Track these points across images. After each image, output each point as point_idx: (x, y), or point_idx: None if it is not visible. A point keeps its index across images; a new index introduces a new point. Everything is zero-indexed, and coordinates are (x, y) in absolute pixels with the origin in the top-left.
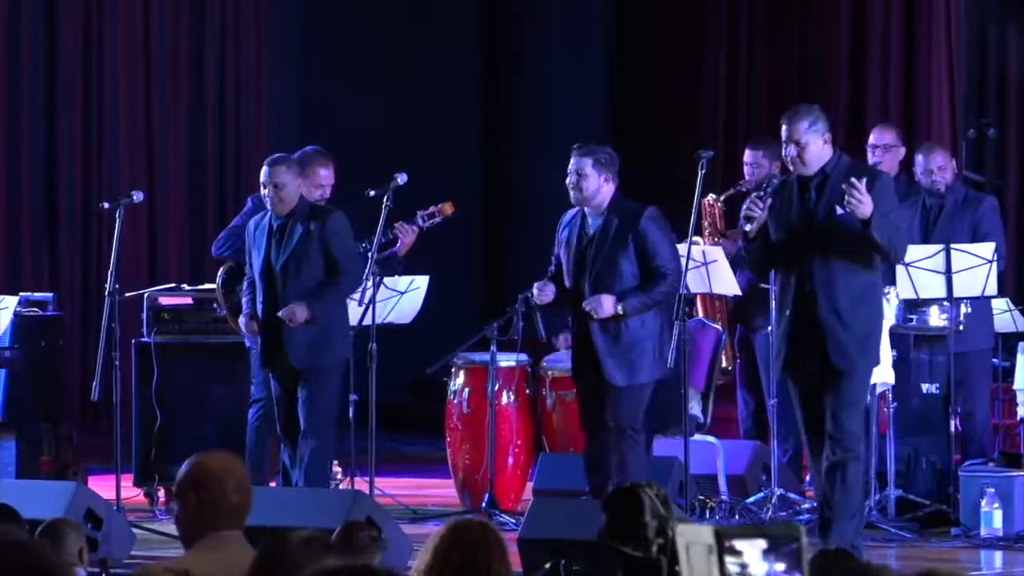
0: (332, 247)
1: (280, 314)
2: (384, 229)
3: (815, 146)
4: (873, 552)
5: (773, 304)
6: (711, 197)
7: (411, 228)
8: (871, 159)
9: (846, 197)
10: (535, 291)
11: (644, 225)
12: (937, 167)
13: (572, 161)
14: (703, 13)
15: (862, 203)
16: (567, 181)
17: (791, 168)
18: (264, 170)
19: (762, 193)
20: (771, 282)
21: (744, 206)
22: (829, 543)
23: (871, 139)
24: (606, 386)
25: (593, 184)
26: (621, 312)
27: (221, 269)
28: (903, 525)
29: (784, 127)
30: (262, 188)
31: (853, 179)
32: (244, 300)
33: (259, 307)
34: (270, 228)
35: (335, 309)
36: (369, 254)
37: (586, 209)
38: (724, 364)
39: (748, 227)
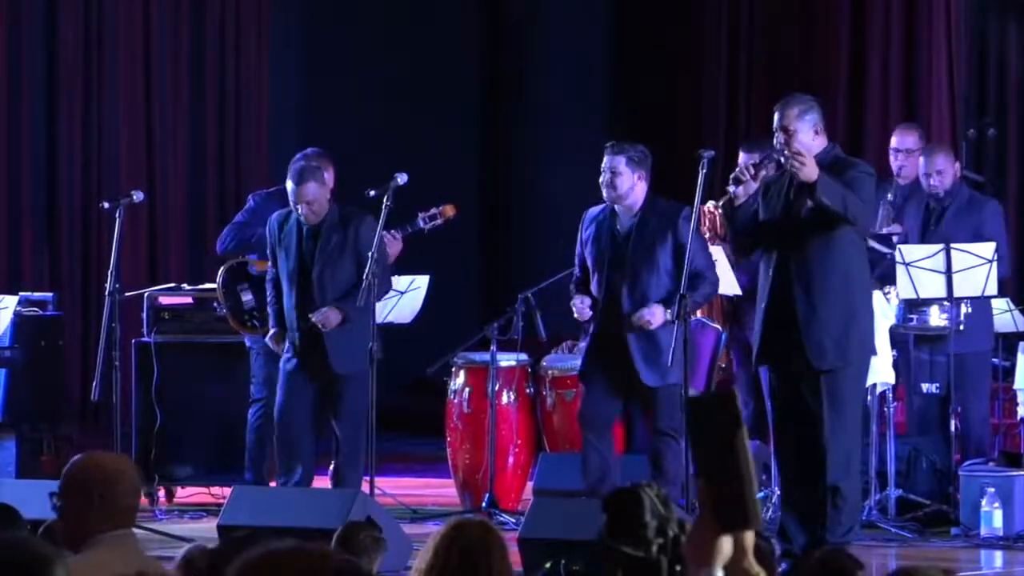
0: (363, 253)
1: (313, 318)
2: (384, 229)
3: (804, 135)
4: (873, 552)
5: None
6: (711, 204)
7: (395, 239)
8: (894, 163)
9: (788, 161)
10: (576, 308)
11: (682, 226)
12: (936, 171)
13: (605, 159)
14: (703, 13)
15: (804, 165)
16: (601, 179)
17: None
18: (291, 188)
19: (756, 161)
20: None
21: (736, 169)
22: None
23: (893, 142)
24: (640, 389)
25: (627, 182)
26: (671, 319)
27: (221, 268)
28: (903, 525)
29: (776, 114)
30: (292, 203)
31: (795, 145)
32: (270, 310)
33: (290, 312)
34: (299, 232)
35: (363, 313)
36: (370, 254)
37: (617, 207)
38: (722, 364)
39: (732, 188)
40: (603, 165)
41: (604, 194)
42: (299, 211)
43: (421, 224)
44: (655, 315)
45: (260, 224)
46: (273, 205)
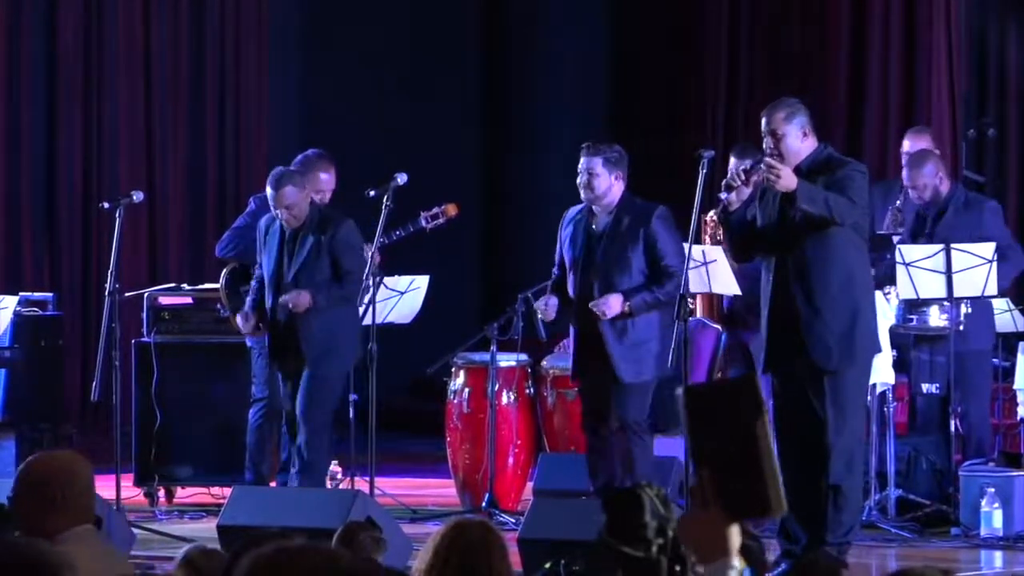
0: (340, 256)
1: (283, 299)
2: (384, 230)
3: (792, 139)
4: (873, 552)
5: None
6: (712, 214)
7: (373, 251)
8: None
9: (763, 174)
10: (540, 310)
11: (655, 224)
12: (914, 185)
13: (582, 160)
14: (703, 13)
15: (780, 178)
16: (578, 180)
17: None
18: (270, 193)
19: (747, 167)
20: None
21: (728, 176)
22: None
23: (904, 146)
24: (613, 383)
25: (604, 183)
26: (628, 311)
27: (224, 270)
28: (903, 525)
29: (763, 119)
30: (272, 208)
31: (767, 159)
32: (248, 298)
33: (270, 312)
34: (282, 235)
35: (341, 309)
36: (371, 255)
37: (594, 207)
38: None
39: (724, 195)
40: (580, 167)
41: (582, 195)
42: (280, 216)
43: (423, 223)
44: (610, 304)
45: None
46: None
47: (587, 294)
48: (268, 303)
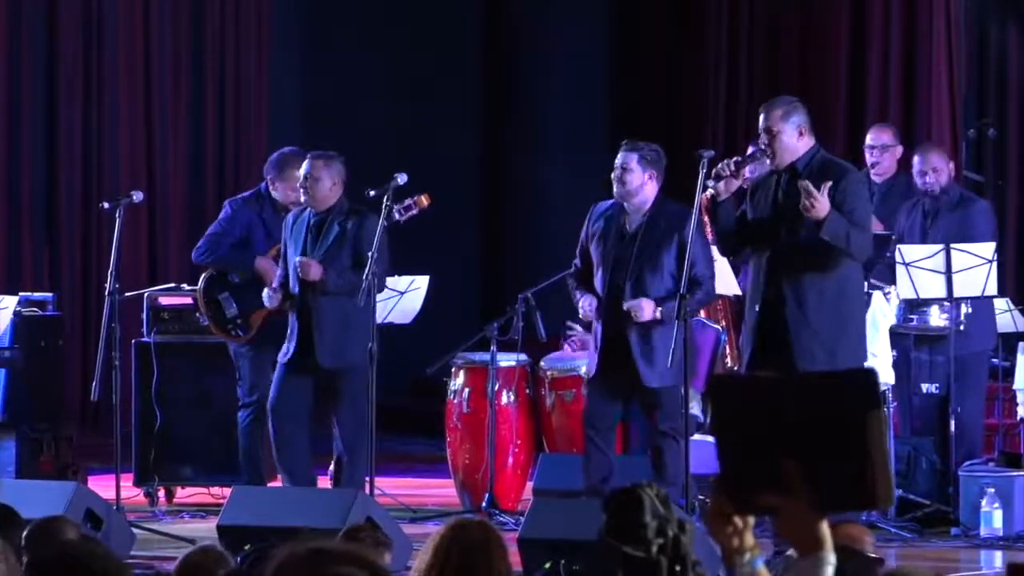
0: (363, 249)
1: (295, 260)
2: (383, 228)
3: (788, 137)
4: None
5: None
6: (710, 192)
7: (373, 251)
8: (868, 159)
9: (801, 200)
10: (582, 308)
11: (688, 230)
12: (932, 168)
13: (619, 155)
14: (703, 13)
15: (815, 207)
16: (612, 175)
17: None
18: (306, 163)
19: (739, 158)
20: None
21: (718, 165)
22: None
23: (868, 139)
24: (638, 388)
25: (637, 180)
26: (659, 317)
27: (202, 277)
28: (903, 525)
29: (760, 115)
30: (301, 187)
31: (805, 183)
32: (276, 279)
33: (294, 303)
34: (308, 224)
35: (354, 302)
36: (370, 254)
37: (626, 205)
38: (730, 364)
39: (711, 183)
40: (616, 161)
41: (614, 189)
42: (302, 188)
43: (396, 216)
44: (643, 309)
45: (236, 230)
46: (249, 211)
47: (617, 294)
48: (294, 291)
